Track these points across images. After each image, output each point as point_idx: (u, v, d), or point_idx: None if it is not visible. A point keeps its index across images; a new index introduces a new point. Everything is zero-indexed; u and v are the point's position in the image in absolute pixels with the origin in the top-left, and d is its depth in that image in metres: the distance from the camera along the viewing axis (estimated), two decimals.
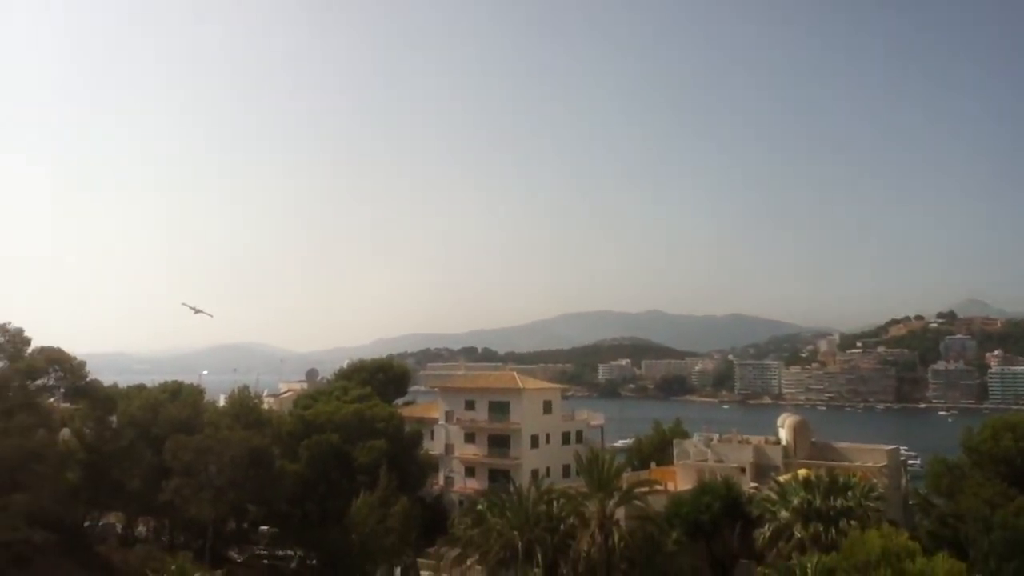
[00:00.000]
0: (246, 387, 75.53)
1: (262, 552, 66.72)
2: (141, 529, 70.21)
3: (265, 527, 68.10)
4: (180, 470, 58.12)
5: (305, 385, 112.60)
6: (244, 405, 69.30)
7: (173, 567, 37.71)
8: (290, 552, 62.97)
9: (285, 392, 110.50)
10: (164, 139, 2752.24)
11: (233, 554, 65.09)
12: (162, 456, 59.46)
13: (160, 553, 54.77)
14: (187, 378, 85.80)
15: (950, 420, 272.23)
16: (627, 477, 59.41)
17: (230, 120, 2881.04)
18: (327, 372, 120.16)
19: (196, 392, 72.53)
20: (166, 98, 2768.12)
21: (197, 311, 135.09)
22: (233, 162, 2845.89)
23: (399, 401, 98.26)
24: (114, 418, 63.78)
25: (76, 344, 69.02)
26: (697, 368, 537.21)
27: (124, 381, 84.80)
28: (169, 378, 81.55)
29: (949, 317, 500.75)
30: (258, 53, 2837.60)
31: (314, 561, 59.20)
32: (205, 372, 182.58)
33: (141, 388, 76.70)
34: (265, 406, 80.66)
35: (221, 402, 75.81)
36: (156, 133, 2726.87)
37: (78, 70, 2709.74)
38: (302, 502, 63.38)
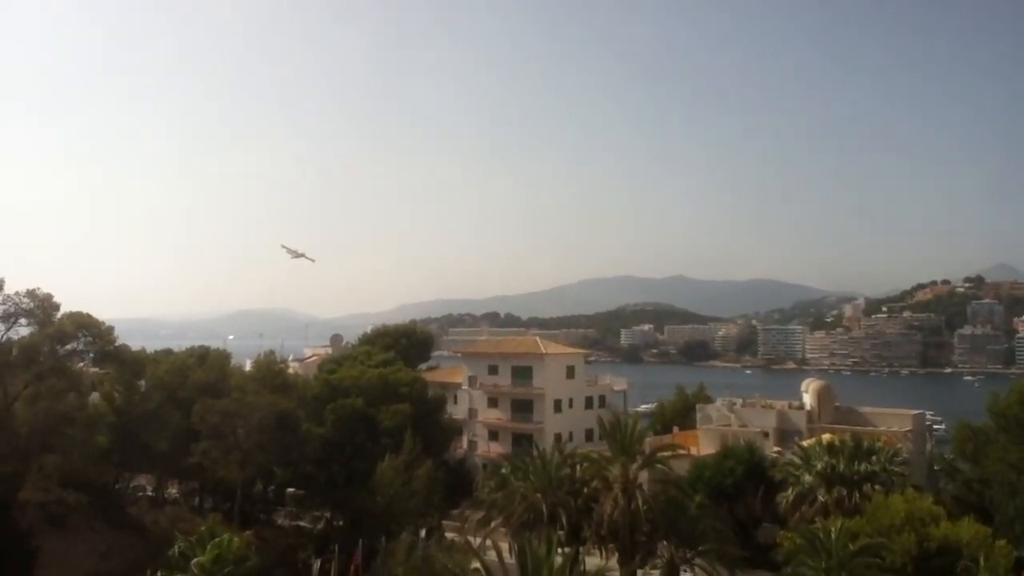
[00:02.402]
0: (272, 352, 76.09)
1: (290, 512, 67.69)
2: (171, 491, 71.37)
3: (292, 489, 69.02)
4: (208, 433, 58.78)
5: (330, 350, 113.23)
6: (270, 369, 69.87)
7: (203, 528, 38.23)
8: (316, 513, 63.80)
9: (310, 357, 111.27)
10: (188, 107, 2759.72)
11: (261, 516, 66.06)
12: (190, 419, 60.11)
13: (190, 514, 55.75)
14: (213, 343, 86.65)
15: (976, 385, 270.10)
16: (650, 441, 59.57)
17: (255, 86, 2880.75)
18: (351, 337, 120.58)
19: (223, 357, 73.19)
20: (191, 67, 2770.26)
21: (297, 255, 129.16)
22: (257, 129, 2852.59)
23: (422, 366, 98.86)
24: (142, 382, 64.49)
25: (104, 310, 69.86)
26: (720, 333, 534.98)
27: (151, 346, 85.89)
28: (195, 343, 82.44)
29: (977, 282, 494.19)
30: (285, 14, 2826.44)
31: (340, 523, 59.95)
32: (231, 337, 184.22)
33: (168, 353, 77.74)
34: (290, 371, 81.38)
35: (247, 367, 76.52)
36: (181, 102, 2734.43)
37: (101, 40, 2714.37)
38: (328, 465, 64.04)
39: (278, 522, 66.05)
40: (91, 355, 60.11)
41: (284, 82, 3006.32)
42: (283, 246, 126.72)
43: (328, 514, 61.74)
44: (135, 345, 72.51)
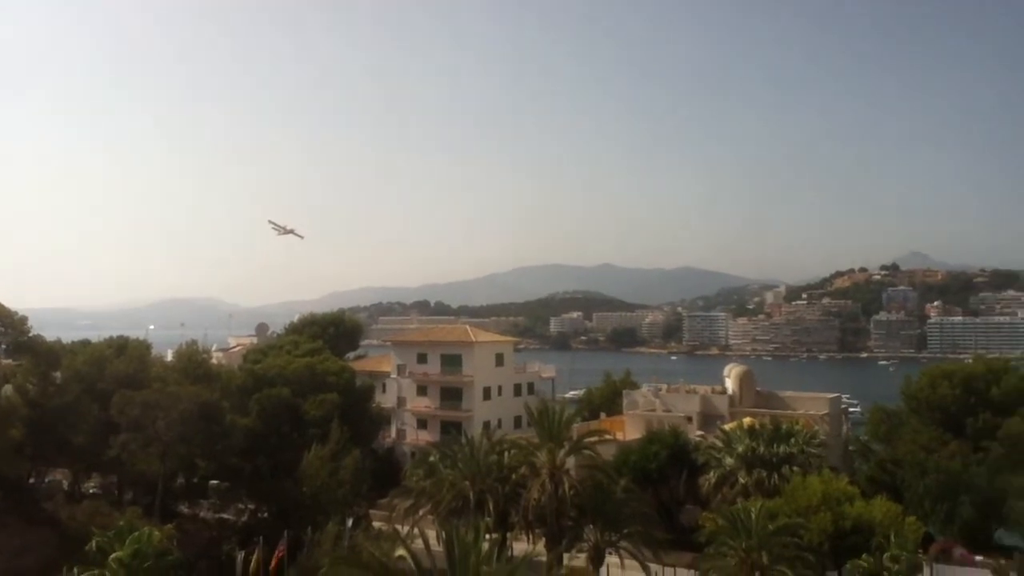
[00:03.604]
0: (194, 342, 74.55)
1: (214, 505, 66.48)
2: (88, 485, 69.39)
3: (215, 481, 67.79)
4: (127, 425, 57.28)
5: (255, 340, 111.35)
6: (192, 360, 68.32)
7: (121, 523, 37.27)
8: (241, 505, 62.81)
9: (234, 347, 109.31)
10: (111, 93, 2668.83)
11: (183, 509, 64.75)
12: (109, 412, 58.51)
13: (108, 509, 54.15)
14: (133, 333, 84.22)
15: (891, 369, 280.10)
16: (577, 427, 60.34)
17: (178, 74, 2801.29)
18: (277, 327, 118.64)
19: (143, 347, 71.22)
20: (115, 50, 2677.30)
21: (285, 231, 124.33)
22: (180, 114, 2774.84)
23: (351, 355, 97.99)
24: (58, 374, 62.48)
25: (17, 300, 67.56)
26: (647, 320, 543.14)
27: (68, 337, 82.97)
28: (115, 333, 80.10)
29: (892, 269, 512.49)
30: None
31: (265, 514, 59.15)
32: (152, 327, 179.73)
33: (86, 343, 75.27)
34: (214, 361, 79.77)
35: (169, 357, 74.72)
36: (103, 92, 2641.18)
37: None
38: (253, 456, 63.07)
39: (201, 515, 64.71)
40: (3, 346, 58.15)
41: (209, 71, 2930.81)
42: (270, 221, 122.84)
43: (253, 506, 60.82)
44: (50, 336, 70.33)
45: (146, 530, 35.34)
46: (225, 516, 62.82)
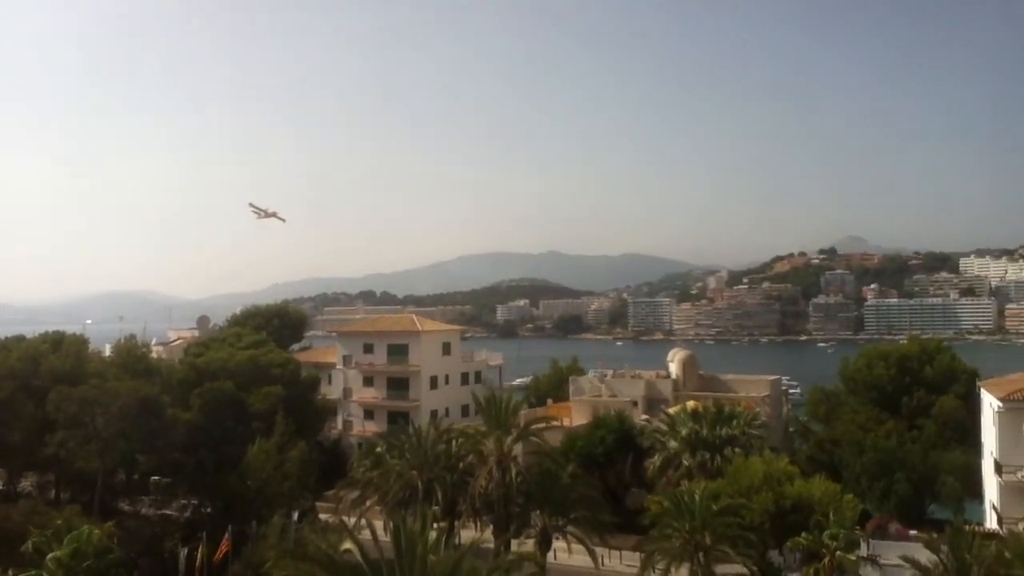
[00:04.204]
0: (133, 336, 73.22)
1: (156, 501, 65.40)
2: (24, 484, 67.68)
3: (157, 477, 66.66)
4: (65, 422, 56.02)
5: (196, 332, 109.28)
6: (131, 354, 67.03)
7: (59, 522, 36.45)
8: (183, 501, 61.87)
9: (175, 340, 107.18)
10: (39, 81, 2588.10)
11: (124, 505, 63.57)
12: (45, 409, 57.16)
13: (45, 508, 52.83)
14: (70, 328, 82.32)
15: (829, 351, 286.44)
16: (524, 414, 60.65)
17: (125, 56, 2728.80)
18: (220, 319, 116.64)
19: (80, 342, 69.67)
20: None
21: (267, 214, 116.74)
22: (115, 102, 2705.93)
23: (295, 347, 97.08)
24: None
25: None
26: (593, 307, 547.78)
27: (0, 333, 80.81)
28: (50, 328, 78.13)
29: (830, 253, 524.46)
30: None
31: (208, 509, 58.33)
32: (89, 321, 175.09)
33: (20, 339, 73.24)
34: (154, 355, 78.32)
35: (107, 352, 73.13)
36: (28, 81, 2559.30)
37: None
38: (195, 451, 62.10)
39: (142, 511, 63.54)
40: None
41: (144, 55, 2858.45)
42: (250, 204, 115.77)
43: (196, 501, 59.94)
44: None
45: (85, 529, 34.68)
46: (167, 512, 61.81)
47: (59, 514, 43.60)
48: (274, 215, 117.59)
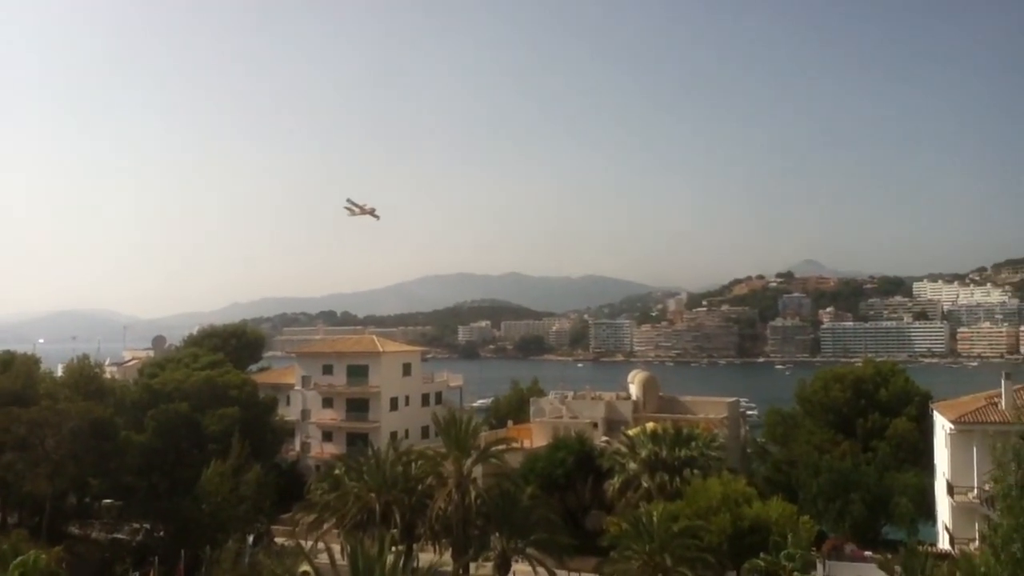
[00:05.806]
0: (86, 356, 71.62)
1: (107, 525, 63.93)
2: None
3: (108, 501, 65.20)
4: (13, 444, 54.67)
5: (151, 353, 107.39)
6: (84, 375, 65.61)
7: (5, 546, 35.43)
8: (136, 525, 60.56)
9: (129, 360, 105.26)
10: (24, 106, 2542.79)
11: (73, 530, 62.03)
12: None
13: None
14: (20, 348, 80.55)
15: (787, 373, 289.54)
16: (484, 436, 60.42)
17: (98, 80, 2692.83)
18: (176, 339, 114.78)
19: (30, 362, 67.98)
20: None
21: (364, 211, 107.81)
22: (71, 119, 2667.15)
23: (254, 367, 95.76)
24: None
25: None
26: (554, 328, 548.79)
27: None
28: (1, 347, 76.32)
29: (787, 277, 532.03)
30: None
31: (161, 533, 57.18)
32: (41, 341, 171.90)
33: None
34: (107, 375, 76.74)
35: (59, 372, 71.54)
36: (19, 105, 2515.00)
37: None
38: (149, 473, 61.04)
39: (93, 535, 62.11)
40: None
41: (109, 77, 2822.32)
42: (348, 200, 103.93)
43: (148, 525, 58.71)
44: None
45: (32, 553, 33.70)
46: (119, 536, 60.47)
47: (5, 538, 42.42)
48: (371, 212, 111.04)
